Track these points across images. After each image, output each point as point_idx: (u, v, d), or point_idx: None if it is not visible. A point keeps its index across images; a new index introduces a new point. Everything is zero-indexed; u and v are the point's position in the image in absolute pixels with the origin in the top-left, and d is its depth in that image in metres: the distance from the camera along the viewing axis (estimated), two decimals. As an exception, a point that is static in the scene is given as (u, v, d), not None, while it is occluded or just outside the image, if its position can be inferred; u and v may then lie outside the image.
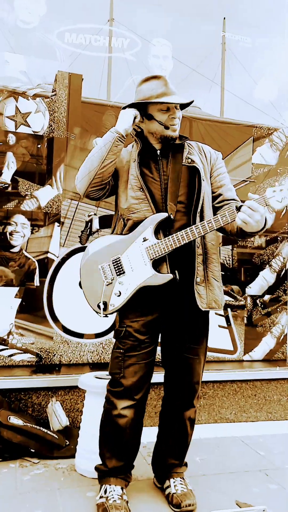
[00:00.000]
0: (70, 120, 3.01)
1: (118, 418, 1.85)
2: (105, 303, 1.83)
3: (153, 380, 2.87)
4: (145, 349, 1.85)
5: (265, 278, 3.45)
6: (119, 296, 1.82)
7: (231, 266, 3.40)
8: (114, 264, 1.84)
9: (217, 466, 2.35)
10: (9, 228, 2.84)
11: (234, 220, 1.68)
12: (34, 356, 2.84)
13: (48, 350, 2.86)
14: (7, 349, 2.79)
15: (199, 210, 1.80)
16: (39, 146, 2.97)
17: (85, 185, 1.81)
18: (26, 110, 2.90)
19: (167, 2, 3.54)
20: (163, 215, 1.78)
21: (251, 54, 3.75)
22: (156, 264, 1.79)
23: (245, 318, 3.38)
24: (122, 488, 1.88)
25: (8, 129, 2.87)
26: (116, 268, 1.83)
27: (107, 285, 1.84)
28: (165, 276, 1.76)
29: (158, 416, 2.89)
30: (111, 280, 1.84)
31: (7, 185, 2.85)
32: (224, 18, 3.74)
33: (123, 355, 1.84)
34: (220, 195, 1.91)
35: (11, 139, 2.88)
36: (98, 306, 1.84)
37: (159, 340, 1.98)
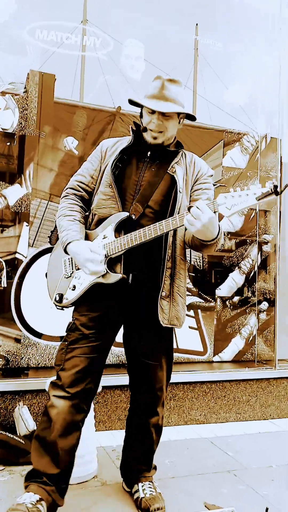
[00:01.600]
0: (41, 118, 2.96)
1: (50, 409, 1.75)
2: (61, 296, 1.85)
3: (122, 383, 2.86)
4: (89, 343, 1.78)
5: (234, 280, 3.49)
6: (73, 290, 1.83)
7: (201, 268, 3.42)
8: None
9: (186, 468, 2.34)
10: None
11: (183, 225, 1.62)
12: (1, 359, 2.76)
13: (15, 353, 2.79)
14: (-28, 352, 2.70)
15: None
16: (8, 144, 2.90)
17: None
18: (-6, 106, 2.83)
19: (142, 5, 3.54)
20: (124, 214, 1.76)
21: (223, 60, 3.80)
22: (113, 264, 1.77)
23: (215, 319, 3.40)
24: (41, 499, 1.66)
25: (-25, 126, 2.78)
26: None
27: (66, 278, 1.85)
28: (114, 276, 1.74)
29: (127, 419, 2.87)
30: (70, 274, 1.85)
31: (-27, 183, 2.77)
32: (197, 24, 3.78)
33: (66, 347, 1.80)
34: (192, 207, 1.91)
35: (-21, 136, 2.79)
36: (55, 298, 1.87)
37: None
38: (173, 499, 2.00)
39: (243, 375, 3.22)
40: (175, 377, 2.99)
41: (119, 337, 3.12)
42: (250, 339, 3.49)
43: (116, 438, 2.67)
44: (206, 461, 2.44)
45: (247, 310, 3.50)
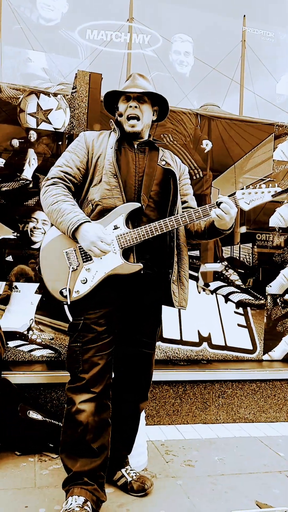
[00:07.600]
0: (90, 117, 3.02)
1: (77, 414, 1.73)
2: (69, 290, 1.77)
3: (170, 378, 2.87)
4: (104, 340, 1.78)
5: (286, 276, 3.40)
6: (85, 283, 1.77)
7: (251, 265, 3.36)
8: (81, 250, 1.78)
9: (235, 466, 2.32)
10: (30, 225, 2.86)
11: (206, 216, 1.78)
12: (54, 352, 2.86)
13: (66, 346, 2.87)
14: (27, 344, 2.82)
15: (176, 209, 1.84)
16: (59, 143, 2.98)
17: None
18: (47, 107, 2.92)
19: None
20: (136, 204, 1.79)
21: (273, 51, 3.70)
22: (124, 254, 1.77)
23: (265, 317, 3.33)
24: (86, 500, 1.67)
25: (29, 126, 2.89)
26: (83, 254, 1.78)
27: (72, 271, 1.77)
28: (134, 266, 1.75)
29: (176, 414, 2.89)
30: (77, 266, 1.78)
31: (28, 181, 2.88)
32: (244, 15, 3.69)
33: (81, 348, 1.77)
34: (186, 201, 2.01)
35: (33, 136, 2.90)
36: (61, 293, 1.78)
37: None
38: (223, 496, 1.99)
39: (294, 375, 3.13)
40: (224, 375, 2.98)
41: (166, 333, 3.16)
42: (302, 338, 3.38)
43: (165, 432, 2.70)
44: (256, 460, 2.40)
45: (298, 308, 3.40)
